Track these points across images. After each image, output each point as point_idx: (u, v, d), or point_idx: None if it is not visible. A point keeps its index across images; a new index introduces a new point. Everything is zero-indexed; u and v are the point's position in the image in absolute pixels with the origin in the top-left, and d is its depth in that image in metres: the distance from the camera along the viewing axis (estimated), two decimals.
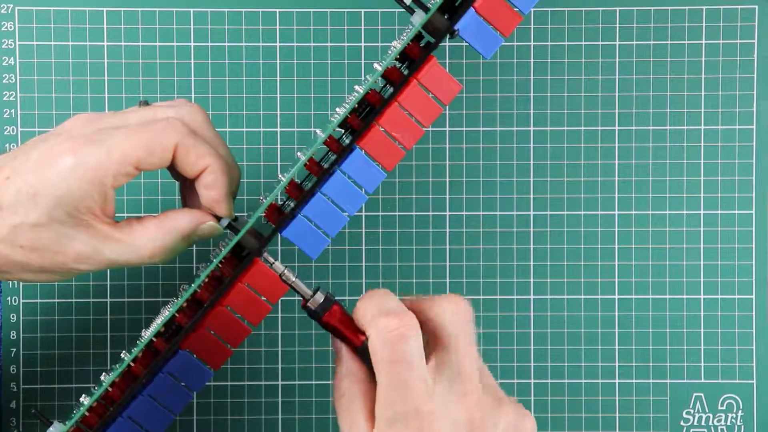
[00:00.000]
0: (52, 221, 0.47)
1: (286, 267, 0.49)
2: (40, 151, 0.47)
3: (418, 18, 0.49)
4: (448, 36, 0.50)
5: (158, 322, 0.50)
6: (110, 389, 0.50)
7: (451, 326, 0.45)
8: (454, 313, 0.45)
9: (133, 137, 0.47)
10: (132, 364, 0.50)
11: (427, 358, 0.45)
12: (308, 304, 0.48)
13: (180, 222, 0.50)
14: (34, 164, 0.47)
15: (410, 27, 0.50)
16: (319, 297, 0.48)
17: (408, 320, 0.44)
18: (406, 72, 0.50)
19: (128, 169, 0.47)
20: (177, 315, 0.50)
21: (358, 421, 0.45)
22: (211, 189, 0.49)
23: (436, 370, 0.44)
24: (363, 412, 0.45)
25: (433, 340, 0.45)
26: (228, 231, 0.51)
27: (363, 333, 0.46)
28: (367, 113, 0.51)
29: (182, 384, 0.51)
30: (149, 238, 0.49)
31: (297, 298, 0.63)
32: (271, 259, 0.49)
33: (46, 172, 0.47)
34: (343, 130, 0.52)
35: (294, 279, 0.49)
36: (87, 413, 0.50)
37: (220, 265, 0.51)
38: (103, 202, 0.48)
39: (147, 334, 0.50)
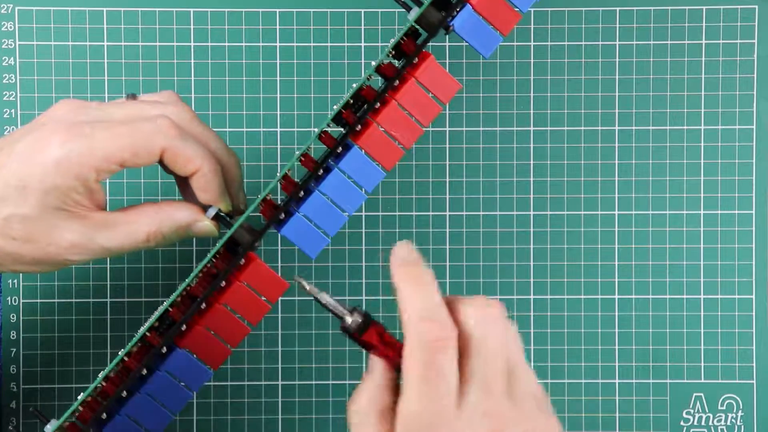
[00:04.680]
0: (43, 213, 0.47)
1: (320, 290, 0.46)
2: (25, 143, 0.47)
3: (414, 14, 0.49)
4: (445, 33, 0.50)
5: (152, 317, 0.50)
6: (104, 384, 0.50)
7: (476, 334, 0.42)
8: (478, 319, 0.43)
9: (118, 139, 0.47)
10: (126, 359, 0.50)
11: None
12: (346, 325, 0.45)
13: (178, 214, 0.50)
14: (19, 156, 0.47)
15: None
16: (357, 318, 0.45)
17: (449, 331, 0.42)
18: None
19: (112, 167, 0.47)
20: (171, 310, 0.50)
21: None
22: (205, 192, 0.50)
23: (463, 385, 0.42)
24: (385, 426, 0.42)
25: (460, 349, 0.43)
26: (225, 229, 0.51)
27: (399, 353, 0.44)
28: (364, 110, 0.51)
29: (181, 383, 0.51)
30: (146, 222, 0.49)
31: (296, 297, 0.64)
32: (306, 284, 0.46)
33: (32, 165, 0.46)
34: (342, 129, 0.52)
35: (329, 300, 0.46)
36: (81, 408, 0.50)
37: (214, 261, 0.51)
38: (90, 194, 0.48)
39: (142, 329, 0.50)
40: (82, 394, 0.50)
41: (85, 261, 0.49)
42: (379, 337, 0.45)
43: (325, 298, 0.46)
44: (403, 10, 0.50)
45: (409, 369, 0.42)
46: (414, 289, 0.43)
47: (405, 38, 0.50)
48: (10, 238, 0.47)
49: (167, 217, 0.49)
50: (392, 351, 0.44)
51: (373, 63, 0.50)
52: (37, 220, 0.47)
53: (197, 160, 0.49)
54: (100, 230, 0.48)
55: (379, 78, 0.51)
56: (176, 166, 0.49)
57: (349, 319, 0.45)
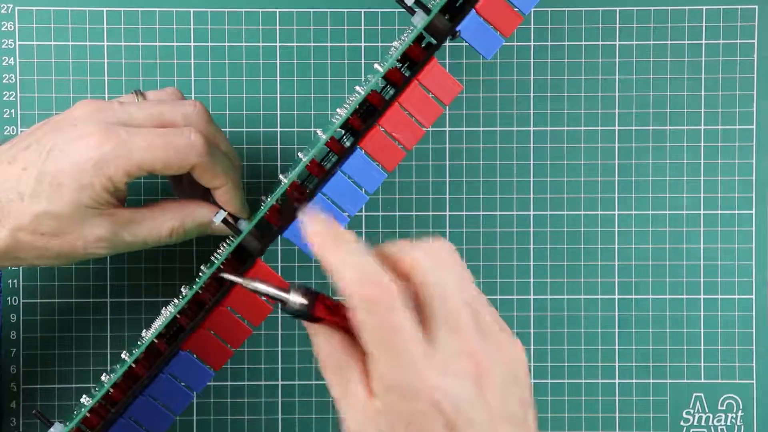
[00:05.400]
0: (75, 210, 0.48)
1: (253, 279, 0.44)
2: (59, 143, 0.48)
3: (419, 19, 0.49)
4: (451, 38, 0.50)
5: (159, 323, 0.50)
6: (111, 390, 0.50)
7: (432, 280, 0.41)
8: (431, 265, 0.41)
9: (155, 150, 0.49)
10: (133, 365, 0.50)
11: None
12: (292, 308, 0.43)
13: (199, 212, 0.52)
14: (54, 155, 0.48)
15: (411, 27, 0.50)
16: (299, 297, 0.43)
17: (390, 285, 0.40)
18: (407, 74, 0.50)
19: (141, 173, 0.49)
20: (179, 316, 0.51)
21: (353, 385, 0.42)
22: (227, 204, 0.52)
23: (428, 329, 0.41)
24: (356, 375, 0.42)
25: (417, 298, 0.42)
26: (231, 234, 0.51)
27: (345, 317, 0.42)
28: (367, 113, 0.51)
29: (183, 384, 0.51)
30: (170, 218, 0.51)
31: None
32: (236, 278, 0.46)
33: (68, 164, 0.48)
34: (343, 131, 0.52)
35: (263, 287, 0.44)
36: (88, 414, 0.50)
37: (221, 267, 0.51)
38: (116, 192, 0.50)
39: (148, 335, 0.51)
40: (86, 398, 0.50)
41: (107, 255, 0.51)
42: (326, 309, 0.43)
43: (259, 286, 0.44)
44: (404, 10, 0.50)
45: (365, 336, 0.40)
46: (340, 256, 0.41)
47: (410, 43, 0.50)
48: (38, 233, 0.49)
49: (189, 214, 0.52)
50: (339, 317, 0.42)
51: (379, 67, 0.50)
52: (68, 217, 0.48)
53: (222, 176, 0.51)
54: (125, 226, 0.50)
55: (379, 80, 0.51)
56: (202, 180, 0.51)
57: (293, 300, 0.43)
